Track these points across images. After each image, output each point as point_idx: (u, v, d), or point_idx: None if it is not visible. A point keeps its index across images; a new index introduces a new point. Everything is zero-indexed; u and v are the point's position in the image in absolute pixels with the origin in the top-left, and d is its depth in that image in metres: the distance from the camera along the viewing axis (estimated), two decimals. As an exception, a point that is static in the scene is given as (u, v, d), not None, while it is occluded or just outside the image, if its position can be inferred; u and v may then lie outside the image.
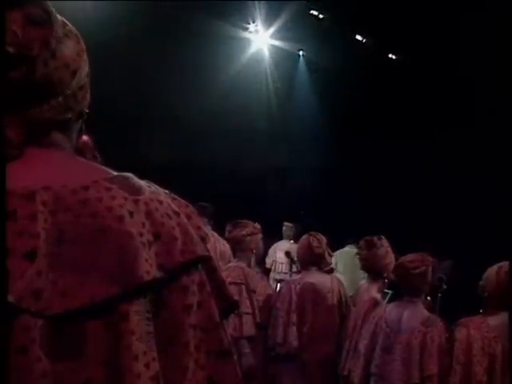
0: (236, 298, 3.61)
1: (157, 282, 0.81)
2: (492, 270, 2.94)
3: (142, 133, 8.57)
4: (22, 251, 0.75)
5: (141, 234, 0.81)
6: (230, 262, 4.54)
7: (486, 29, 7.39)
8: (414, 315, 3.10)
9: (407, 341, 3.04)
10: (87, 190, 0.81)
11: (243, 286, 3.75)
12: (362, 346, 3.32)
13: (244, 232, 3.88)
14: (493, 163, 8.48)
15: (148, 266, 0.80)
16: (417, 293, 3.15)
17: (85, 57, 0.95)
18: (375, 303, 3.64)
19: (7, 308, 0.72)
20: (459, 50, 8.37)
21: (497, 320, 2.86)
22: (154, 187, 0.90)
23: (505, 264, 2.93)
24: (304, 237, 4.00)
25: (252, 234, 3.91)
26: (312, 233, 3.98)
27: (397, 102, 9.80)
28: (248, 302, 3.74)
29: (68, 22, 0.94)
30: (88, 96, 0.98)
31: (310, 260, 3.91)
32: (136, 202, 0.83)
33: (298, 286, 3.83)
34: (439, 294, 3.34)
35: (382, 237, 3.83)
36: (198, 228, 0.90)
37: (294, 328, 3.71)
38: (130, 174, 0.89)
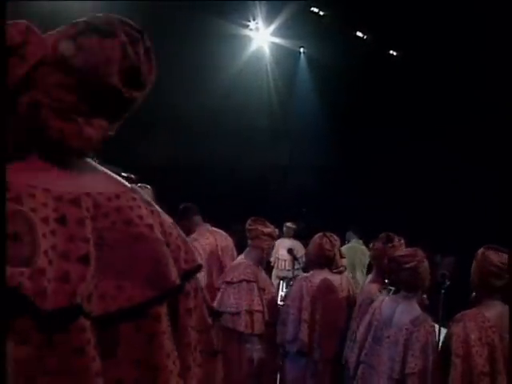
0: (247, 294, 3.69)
1: (180, 287, 0.89)
2: (474, 259, 2.96)
3: (143, 132, 8.57)
4: (76, 255, 0.78)
5: (165, 243, 0.88)
6: (232, 257, 4.55)
7: (487, 24, 7.37)
8: (405, 312, 3.11)
9: (395, 336, 3.06)
10: (119, 199, 0.87)
11: (254, 284, 3.79)
12: (359, 335, 3.35)
13: (264, 230, 3.93)
14: (493, 160, 8.47)
15: (176, 272, 0.87)
16: (410, 288, 3.15)
17: None
18: (370, 295, 3.68)
19: (72, 310, 0.75)
20: (460, 46, 8.35)
21: (492, 311, 2.86)
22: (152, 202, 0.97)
23: (483, 249, 2.95)
24: (317, 236, 3.97)
25: (270, 235, 3.96)
26: (327, 234, 3.97)
27: (398, 98, 9.79)
28: (259, 299, 3.77)
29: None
30: None
31: (321, 261, 3.92)
32: (152, 212, 0.90)
33: (310, 284, 3.84)
34: (442, 291, 3.33)
35: (402, 239, 3.83)
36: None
37: (306, 325, 3.73)
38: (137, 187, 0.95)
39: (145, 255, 0.84)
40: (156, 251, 0.85)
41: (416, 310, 3.11)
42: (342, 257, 4.05)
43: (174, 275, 0.86)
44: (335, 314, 3.84)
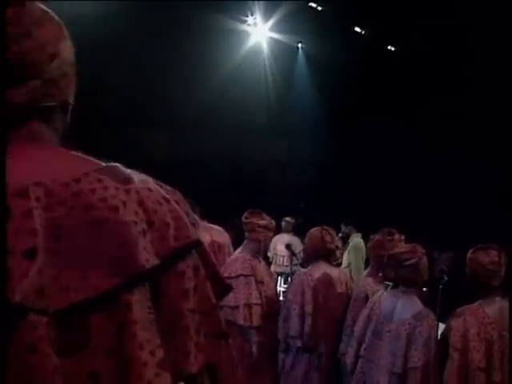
0: (243, 288, 3.69)
1: (156, 269, 0.81)
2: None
3: (142, 127, 8.57)
4: (21, 250, 0.74)
5: (136, 223, 0.81)
6: (229, 253, 4.56)
7: (485, 19, 7.37)
8: (407, 306, 3.12)
9: (396, 330, 3.07)
10: (79, 183, 0.81)
11: (252, 278, 3.80)
12: (357, 330, 3.36)
13: (260, 222, 3.93)
14: (493, 154, 8.48)
15: (147, 254, 0.80)
16: (410, 284, 3.16)
17: (68, 44, 0.93)
18: (365, 289, 3.70)
19: (14, 308, 0.71)
20: (458, 41, 8.35)
21: (493, 307, 2.88)
22: (143, 176, 0.89)
23: (472, 251, 2.97)
24: (315, 230, 3.98)
25: (266, 227, 3.96)
26: (325, 227, 3.97)
27: (396, 93, 9.79)
28: (257, 293, 3.79)
29: (49, 10, 0.92)
30: (73, 86, 0.95)
31: (321, 254, 3.92)
32: (127, 191, 0.83)
33: (310, 278, 3.85)
34: (440, 286, 3.33)
35: (403, 236, 3.84)
36: (188, 214, 0.90)
37: (310, 318, 3.74)
38: (117, 164, 0.88)
39: (107, 240, 0.78)
40: (120, 234, 0.79)
41: (418, 304, 3.12)
42: (338, 249, 4.07)
43: (144, 258, 0.79)
44: (335, 307, 3.85)
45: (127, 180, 0.85)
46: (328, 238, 3.90)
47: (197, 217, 0.91)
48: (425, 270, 3.17)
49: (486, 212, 8.12)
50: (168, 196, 0.88)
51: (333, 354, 3.80)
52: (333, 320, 3.82)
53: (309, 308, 3.76)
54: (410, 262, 3.11)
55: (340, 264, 4.04)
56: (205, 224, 4.72)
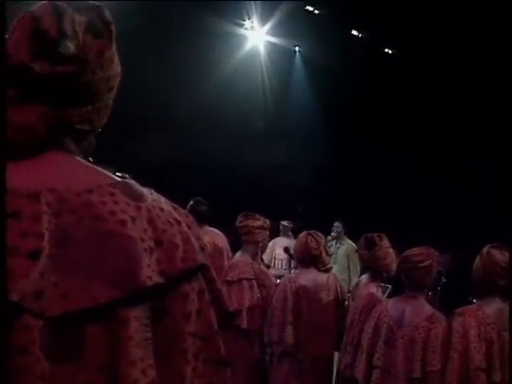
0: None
1: (158, 288, 0.81)
2: (478, 257, 2.97)
3: (138, 132, 8.56)
4: (25, 251, 0.75)
5: (142, 240, 0.81)
6: (228, 257, 4.57)
7: (483, 23, 7.38)
8: (417, 310, 3.11)
9: (410, 335, 3.05)
10: (91, 194, 0.82)
11: (254, 281, 3.82)
12: (365, 341, 3.31)
13: (255, 224, 3.94)
14: (492, 157, 8.49)
15: (150, 272, 0.80)
16: (420, 287, 3.15)
17: (118, 80, 0.98)
18: (373, 298, 3.65)
19: (9, 307, 0.71)
20: (456, 44, 8.36)
21: (492, 307, 2.88)
22: (156, 195, 0.91)
23: (488, 247, 2.96)
24: (302, 235, 3.97)
25: (261, 227, 3.97)
26: (311, 232, 3.95)
27: (393, 96, 9.80)
28: (260, 296, 3.82)
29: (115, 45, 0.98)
30: (107, 115, 0.99)
31: (307, 259, 3.91)
32: (138, 208, 0.84)
33: (294, 285, 3.83)
34: (439, 288, 3.34)
35: (383, 235, 3.83)
36: (198, 238, 0.91)
37: (290, 327, 3.73)
38: (132, 181, 0.90)
39: (112, 253, 0.79)
40: (125, 248, 0.79)
41: (428, 308, 3.13)
42: (327, 254, 4.05)
43: (146, 275, 0.79)
44: (321, 314, 3.83)
45: (139, 197, 0.86)
46: (313, 244, 3.86)
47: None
48: (435, 272, 3.18)
49: (485, 215, 8.12)
50: (180, 218, 0.89)
51: (320, 359, 3.79)
52: (319, 326, 3.80)
53: (289, 317, 3.75)
54: (424, 264, 3.11)
55: (329, 269, 3.99)
56: (206, 227, 4.73)
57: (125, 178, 0.92)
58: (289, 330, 3.72)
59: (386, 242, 3.80)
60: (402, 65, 9.95)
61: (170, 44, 8.38)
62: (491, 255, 2.92)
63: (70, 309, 0.75)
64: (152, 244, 0.82)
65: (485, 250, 2.97)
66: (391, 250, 3.80)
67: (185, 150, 8.76)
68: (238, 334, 3.70)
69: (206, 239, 4.59)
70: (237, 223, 4.03)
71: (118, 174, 0.92)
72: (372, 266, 3.86)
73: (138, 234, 0.81)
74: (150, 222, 0.84)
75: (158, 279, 0.81)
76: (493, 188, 8.16)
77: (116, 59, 0.96)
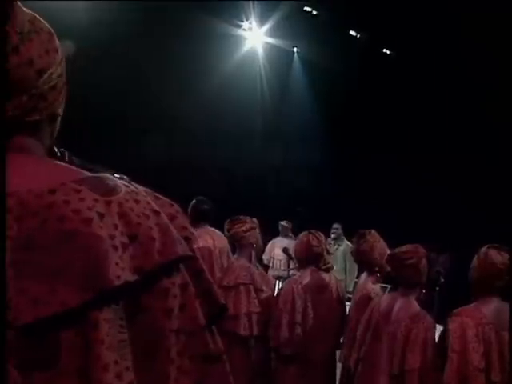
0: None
1: (130, 286, 0.76)
2: (475, 257, 2.98)
3: (138, 133, 8.56)
4: None
5: (112, 237, 0.77)
6: (229, 257, 4.55)
7: (481, 23, 7.40)
8: (404, 308, 3.13)
9: (393, 332, 3.08)
10: (54, 194, 0.78)
11: (251, 286, 3.79)
12: (358, 334, 3.36)
13: (243, 228, 3.91)
14: (490, 158, 8.50)
15: (119, 270, 0.76)
16: (410, 284, 3.17)
17: (57, 56, 0.90)
18: (369, 295, 3.67)
19: None
20: (453, 45, 8.38)
21: (489, 307, 2.88)
22: (133, 186, 0.86)
23: (486, 248, 2.97)
24: (303, 234, 3.97)
25: (251, 228, 3.95)
26: (312, 231, 3.95)
27: (392, 97, 9.81)
28: (257, 301, 3.78)
29: (41, 19, 0.89)
30: (62, 98, 0.93)
31: (309, 259, 3.90)
32: (108, 203, 0.79)
33: (300, 286, 3.83)
34: (437, 288, 3.35)
35: (372, 231, 3.87)
36: (184, 228, 0.86)
37: (300, 328, 3.72)
38: (105, 175, 0.85)
39: (78, 254, 0.74)
40: (90, 248, 0.75)
41: (414, 306, 3.13)
42: (329, 253, 4.06)
43: (114, 274, 0.75)
44: (327, 313, 3.84)
45: (109, 191, 0.81)
46: (315, 242, 3.87)
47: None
48: (425, 270, 3.18)
49: (484, 215, 8.13)
50: (158, 209, 0.84)
51: (323, 360, 3.80)
52: (323, 326, 3.81)
53: (298, 317, 3.74)
54: (410, 262, 3.12)
55: (330, 268, 4.00)
56: (207, 228, 4.72)
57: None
58: (298, 330, 3.72)
59: (373, 237, 3.83)
60: (400, 65, 9.97)
61: (168, 45, 8.39)
62: (489, 256, 2.92)
63: (40, 315, 0.72)
64: (125, 239, 0.78)
65: (482, 250, 2.98)
66: (379, 245, 3.83)
67: (183, 152, 8.76)
68: (235, 341, 3.66)
69: (206, 239, 4.60)
70: (225, 232, 4.01)
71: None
72: (360, 260, 3.96)
73: (106, 231, 0.77)
74: (122, 216, 0.79)
75: (129, 277, 0.76)
76: (493, 188, 8.17)
77: (36, 38, 0.86)
